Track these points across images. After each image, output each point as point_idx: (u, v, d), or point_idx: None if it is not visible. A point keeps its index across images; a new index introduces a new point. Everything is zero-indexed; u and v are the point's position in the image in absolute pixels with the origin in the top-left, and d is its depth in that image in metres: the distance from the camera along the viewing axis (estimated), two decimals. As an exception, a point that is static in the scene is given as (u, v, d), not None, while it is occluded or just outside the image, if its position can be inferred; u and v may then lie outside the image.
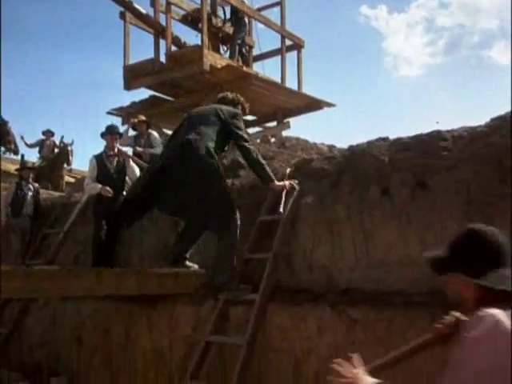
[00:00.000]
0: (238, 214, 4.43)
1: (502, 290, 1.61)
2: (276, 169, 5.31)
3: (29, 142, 12.36)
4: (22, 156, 12.19)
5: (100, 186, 5.84)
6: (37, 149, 12.46)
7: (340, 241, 4.15)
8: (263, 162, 4.63)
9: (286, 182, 4.57)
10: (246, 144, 4.58)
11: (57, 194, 9.55)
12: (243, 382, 3.91)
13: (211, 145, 4.43)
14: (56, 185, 11.25)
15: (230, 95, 5.02)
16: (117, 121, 11.26)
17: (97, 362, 5.44)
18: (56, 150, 12.16)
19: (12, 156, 12.30)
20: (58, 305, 6.22)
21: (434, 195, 3.72)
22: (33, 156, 12.58)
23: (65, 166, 12.09)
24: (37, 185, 7.97)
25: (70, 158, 11.96)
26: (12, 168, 10.60)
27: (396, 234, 3.84)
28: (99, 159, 6.13)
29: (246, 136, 4.68)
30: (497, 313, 1.51)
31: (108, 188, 5.80)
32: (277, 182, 4.54)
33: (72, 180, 12.61)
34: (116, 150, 6.26)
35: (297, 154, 5.72)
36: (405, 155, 4.00)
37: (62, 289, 3.99)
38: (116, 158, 6.20)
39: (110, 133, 6.26)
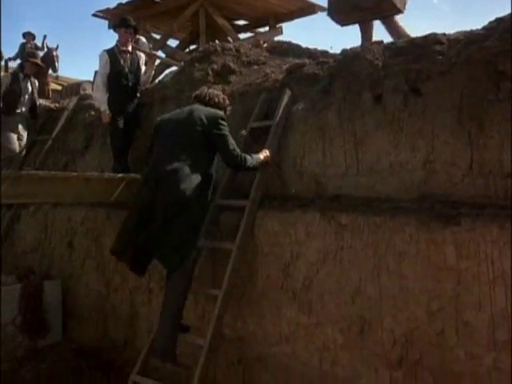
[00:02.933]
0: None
1: None
2: (267, 74, 5.19)
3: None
4: (6, 62, 11.84)
5: (107, 110, 5.46)
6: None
7: (331, 148, 4.12)
8: (252, 162, 4.07)
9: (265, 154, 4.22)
10: (237, 160, 3.98)
11: (42, 101, 9.34)
12: (233, 286, 4.01)
13: (204, 187, 3.88)
14: (41, 91, 10.97)
15: (215, 98, 4.24)
16: (104, 23, 10.87)
17: (88, 267, 5.54)
18: (40, 54, 11.74)
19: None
20: (49, 212, 6.26)
21: (426, 101, 3.65)
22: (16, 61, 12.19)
23: (50, 72, 11.75)
24: (37, 83, 7.19)
25: (56, 63, 11.60)
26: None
27: (387, 140, 3.80)
28: (111, 54, 5.54)
29: (235, 151, 3.98)
30: None
31: (108, 113, 5.45)
32: (261, 156, 4.17)
33: (59, 88, 12.31)
34: (130, 47, 5.71)
35: (288, 60, 5.55)
36: (399, 60, 3.89)
37: (50, 194, 3.98)
38: (129, 56, 5.68)
39: (125, 26, 5.65)
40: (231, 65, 5.56)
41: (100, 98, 5.56)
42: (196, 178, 3.81)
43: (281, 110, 4.40)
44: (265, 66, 5.55)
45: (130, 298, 5.17)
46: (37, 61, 7.09)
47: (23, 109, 6.77)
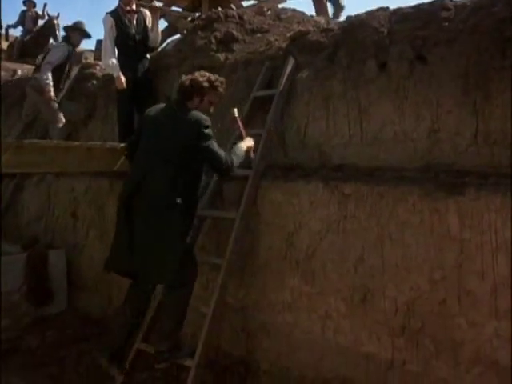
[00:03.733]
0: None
1: None
2: (271, 42, 5.12)
3: None
4: (6, 30, 11.72)
5: (122, 75, 5.25)
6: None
7: (335, 117, 4.08)
8: (238, 160, 3.82)
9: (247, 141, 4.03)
10: (227, 168, 3.71)
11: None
12: (237, 255, 4.03)
13: (175, 198, 3.54)
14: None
15: (187, 82, 3.73)
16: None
17: (92, 237, 5.57)
18: (40, 22, 11.59)
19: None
20: (52, 182, 6.26)
21: (432, 69, 3.60)
22: (16, 30, 12.08)
23: (51, 41, 11.62)
24: None
25: (57, 32, 11.46)
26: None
27: (391, 109, 3.76)
28: (116, 17, 5.34)
29: (222, 159, 3.66)
30: None
31: (123, 78, 5.25)
32: (244, 147, 3.95)
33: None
34: (134, 5, 5.47)
35: (292, 27, 5.47)
36: (404, 26, 3.82)
37: (53, 164, 3.97)
38: (135, 16, 5.48)
39: None
40: (234, 33, 5.48)
41: (112, 64, 5.38)
42: (174, 187, 3.55)
43: (284, 79, 4.35)
44: (268, 33, 5.47)
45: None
46: (86, 30, 6.54)
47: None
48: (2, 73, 8.79)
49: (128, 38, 5.41)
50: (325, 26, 4.64)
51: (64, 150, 4.05)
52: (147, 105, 4.81)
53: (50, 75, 5.79)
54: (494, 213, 2.96)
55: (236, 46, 5.38)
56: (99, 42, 9.84)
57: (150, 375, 4.00)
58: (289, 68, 4.40)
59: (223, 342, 4.30)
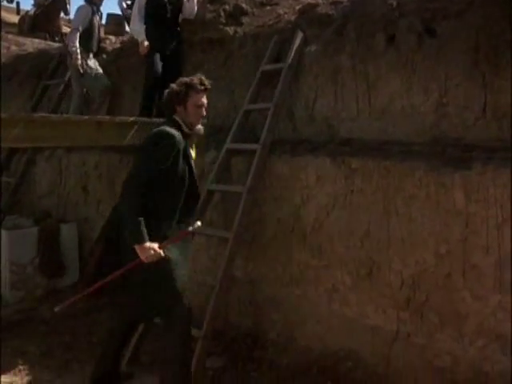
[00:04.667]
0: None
1: None
2: (280, 15, 5.08)
3: None
4: (18, 3, 11.68)
5: (146, 40, 5.12)
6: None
7: (343, 91, 4.07)
8: (131, 223, 3.08)
9: None
10: (125, 187, 3.16)
11: (55, 44, 9.27)
12: (244, 229, 4.07)
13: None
14: (53, 35, 10.86)
15: (166, 96, 3.40)
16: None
17: (103, 210, 5.63)
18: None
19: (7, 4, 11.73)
20: (63, 156, 6.31)
21: (441, 42, 3.56)
22: (27, 3, 12.01)
23: (62, 15, 11.60)
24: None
25: (68, 6, 11.41)
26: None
27: (400, 83, 3.74)
28: None
29: (133, 177, 3.14)
30: None
31: (146, 43, 5.12)
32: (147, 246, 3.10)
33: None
34: None
35: (302, 0, 5.41)
36: (414, -1, 3.78)
37: (62, 138, 4.00)
38: None
39: None
40: (243, 6, 5.43)
41: (137, 29, 5.27)
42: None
43: (293, 53, 4.33)
44: (278, 6, 5.41)
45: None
46: None
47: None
48: (14, 47, 8.80)
49: (159, 6, 5.23)
50: (334, -1, 4.59)
51: (74, 124, 4.08)
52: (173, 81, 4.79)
53: (76, 41, 5.56)
54: (500, 187, 2.96)
55: (245, 20, 5.34)
56: (110, 16, 9.79)
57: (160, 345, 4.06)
58: (297, 42, 4.37)
59: (231, 314, 4.36)
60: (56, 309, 3.35)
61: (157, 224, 3.18)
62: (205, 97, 3.41)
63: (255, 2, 5.60)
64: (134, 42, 5.70)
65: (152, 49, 5.23)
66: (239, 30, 5.21)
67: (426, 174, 3.27)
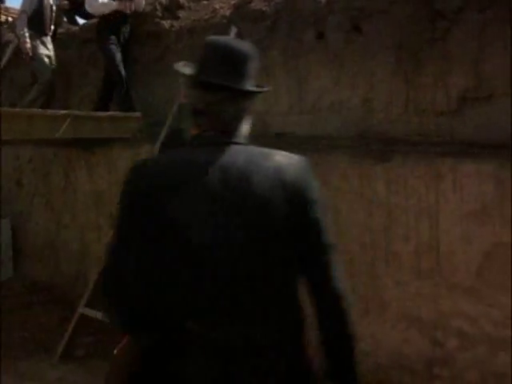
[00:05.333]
0: None
1: None
2: (216, 10, 5.12)
3: None
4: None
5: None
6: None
7: (275, 86, 4.15)
8: None
9: None
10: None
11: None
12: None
13: None
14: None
15: None
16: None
17: (38, 204, 5.55)
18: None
19: None
20: (-4, 150, 6.17)
21: (367, 39, 3.70)
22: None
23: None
24: None
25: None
26: None
27: (329, 78, 3.86)
28: None
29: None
30: None
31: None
32: None
33: (9, 19, 11.78)
34: None
35: (238, -5, 5.47)
36: (342, -3, 3.90)
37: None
38: None
39: None
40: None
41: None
42: None
43: (226, 47, 4.38)
44: (214, 1, 5.45)
45: (81, 235, 5.23)
46: None
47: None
48: None
49: None
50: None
51: (4, 117, 4.01)
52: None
53: (24, 25, 5.25)
54: (418, 179, 3.11)
55: (181, 13, 5.36)
56: None
57: (95, 339, 4.07)
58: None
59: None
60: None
61: None
62: None
63: (192, -4, 5.63)
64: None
65: (106, 30, 5.08)
66: (175, 23, 5.23)
67: (350, 167, 3.40)
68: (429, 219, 3.09)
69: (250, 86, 1.53)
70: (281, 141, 3.97)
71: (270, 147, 3.72)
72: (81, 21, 6.45)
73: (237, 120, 1.53)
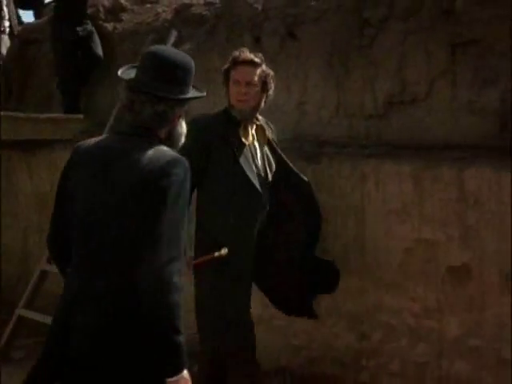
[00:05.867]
0: None
1: None
2: (158, 13, 5.18)
3: None
4: None
5: None
6: None
7: (215, 89, 4.23)
8: None
9: None
10: None
11: None
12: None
13: None
14: None
15: None
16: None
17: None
18: None
19: None
20: None
21: (301, 45, 3.84)
22: None
23: None
24: None
25: None
26: None
27: (265, 82, 3.97)
28: None
29: None
30: None
31: None
32: None
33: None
34: None
35: (182, 1, 5.54)
36: (277, 4, 4.03)
37: None
38: None
39: None
40: (123, 2, 5.48)
41: None
42: None
43: (167, 50, 4.45)
44: (157, 4, 5.51)
45: (23, 237, 5.20)
46: None
47: None
48: None
49: None
50: (208, 0, 4.76)
51: None
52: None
53: None
54: (344, 180, 3.26)
55: (124, 16, 5.40)
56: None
57: (34, 341, 4.07)
58: (171, 40, 4.49)
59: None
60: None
61: None
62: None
63: (136, -2, 5.67)
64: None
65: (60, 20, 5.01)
66: (118, 26, 5.27)
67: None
68: (355, 217, 3.24)
69: (177, 94, 1.82)
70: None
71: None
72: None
73: (153, 120, 1.82)
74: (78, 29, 5.07)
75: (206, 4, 4.65)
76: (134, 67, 1.91)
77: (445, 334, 2.97)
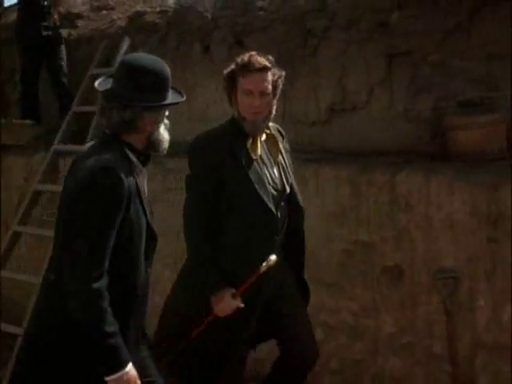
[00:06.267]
0: None
1: None
2: (113, 20, 5.24)
3: None
4: None
5: None
6: None
7: (166, 96, 4.33)
8: None
9: None
10: None
11: None
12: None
13: None
14: None
15: None
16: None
17: None
18: None
19: None
20: None
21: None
22: None
23: None
24: None
25: None
26: None
27: (215, 90, 4.07)
28: None
29: None
30: None
31: None
32: None
33: None
34: None
35: (136, 8, 5.61)
36: (226, 13, 4.14)
37: None
38: None
39: None
40: (79, 8, 5.53)
41: None
42: None
43: (120, 58, 4.51)
44: (113, 11, 5.57)
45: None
46: None
47: None
48: None
49: None
50: (161, 8, 4.85)
51: None
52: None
53: None
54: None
55: (80, 23, 5.44)
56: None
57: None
58: (124, 47, 4.57)
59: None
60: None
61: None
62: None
63: (92, 5, 5.72)
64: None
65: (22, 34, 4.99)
66: (73, 32, 5.31)
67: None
68: (321, 221, 3.32)
69: (143, 101, 1.85)
70: (170, 148, 4.13)
71: (156, 155, 3.86)
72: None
73: (121, 127, 1.87)
74: (43, 33, 5.06)
75: (159, 12, 4.74)
76: (111, 76, 1.97)
77: (380, 332, 3.10)
